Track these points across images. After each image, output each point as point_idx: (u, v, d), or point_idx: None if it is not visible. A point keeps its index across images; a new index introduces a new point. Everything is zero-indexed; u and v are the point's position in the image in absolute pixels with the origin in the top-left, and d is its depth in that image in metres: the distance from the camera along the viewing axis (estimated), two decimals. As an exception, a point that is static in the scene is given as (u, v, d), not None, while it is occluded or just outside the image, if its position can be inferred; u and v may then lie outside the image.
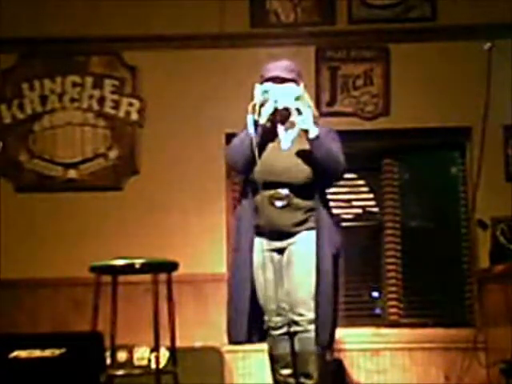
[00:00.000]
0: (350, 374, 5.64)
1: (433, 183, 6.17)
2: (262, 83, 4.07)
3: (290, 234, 3.98)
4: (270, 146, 4.05)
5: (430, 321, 5.91)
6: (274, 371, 4.06)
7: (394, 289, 5.97)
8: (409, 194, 6.16)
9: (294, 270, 3.94)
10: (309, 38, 6.01)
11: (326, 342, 3.92)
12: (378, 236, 6.07)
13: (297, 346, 3.92)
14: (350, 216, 6.09)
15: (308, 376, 3.90)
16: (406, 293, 5.98)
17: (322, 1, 6.09)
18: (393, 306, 5.97)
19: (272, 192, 3.94)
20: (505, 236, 5.75)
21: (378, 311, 6.07)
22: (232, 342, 4.12)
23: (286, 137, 4.08)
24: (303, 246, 3.95)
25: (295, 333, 3.91)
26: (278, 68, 4.10)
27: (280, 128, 4.09)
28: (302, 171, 3.97)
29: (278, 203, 3.91)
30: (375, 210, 6.16)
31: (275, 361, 4.03)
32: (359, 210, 6.13)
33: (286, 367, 3.99)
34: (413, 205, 6.18)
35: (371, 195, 6.18)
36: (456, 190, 6.10)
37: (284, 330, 3.97)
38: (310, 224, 3.97)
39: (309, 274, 3.91)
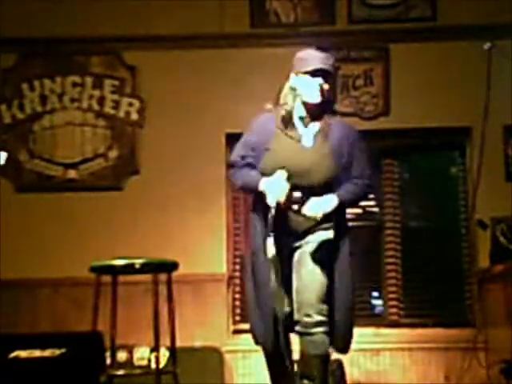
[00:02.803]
0: (349, 374, 5.63)
1: (433, 183, 6.17)
2: (297, 74, 3.83)
3: (305, 234, 3.90)
4: (289, 144, 3.83)
5: (430, 321, 5.91)
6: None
7: (393, 289, 5.98)
8: (409, 194, 6.16)
9: (304, 270, 3.88)
10: (309, 38, 5.99)
11: (343, 346, 3.88)
12: (378, 236, 6.07)
13: (301, 348, 3.88)
14: (350, 216, 6.07)
15: (310, 379, 3.87)
16: (406, 293, 5.98)
17: (321, 1, 6.09)
18: (393, 306, 5.97)
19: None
20: (505, 236, 5.75)
21: (378, 311, 6.07)
22: (259, 344, 3.99)
23: (306, 134, 3.87)
24: (317, 246, 3.88)
25: (300, 334, 3.87)
26: (317, 58, 3.85)
27: (300, 127, 3.87)
28: (322, 172, 3.80)
29: (294, 206, 3.84)
30: (375, 209, 6.15)
31: None
32: (359, 210, 6.13)
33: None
34: (413, 205, 6.19)
35: (371, 195, 6.17)
36: (456, 190, 6.10)
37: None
38: (327, 225, 3.89)
39: (319, 275, 3.84)
